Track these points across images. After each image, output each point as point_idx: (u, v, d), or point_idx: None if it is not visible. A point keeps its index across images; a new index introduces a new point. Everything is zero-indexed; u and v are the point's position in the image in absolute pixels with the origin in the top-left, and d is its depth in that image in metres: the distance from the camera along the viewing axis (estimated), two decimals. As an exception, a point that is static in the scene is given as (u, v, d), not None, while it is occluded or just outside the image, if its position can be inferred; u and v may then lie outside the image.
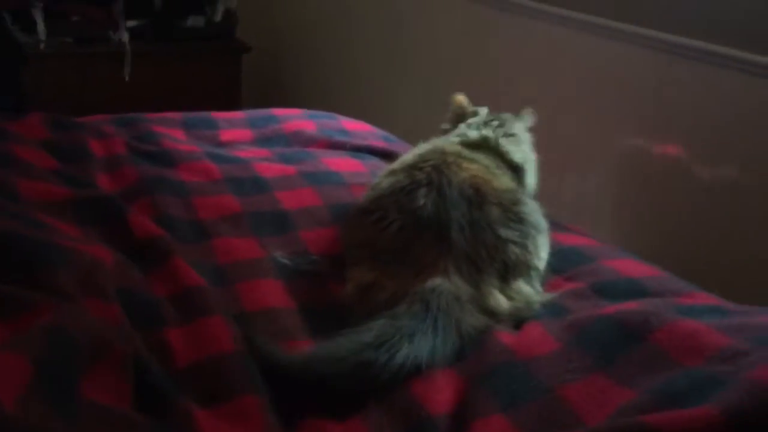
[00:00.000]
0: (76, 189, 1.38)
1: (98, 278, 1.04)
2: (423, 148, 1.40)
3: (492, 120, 1.50)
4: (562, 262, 1.34)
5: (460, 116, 1.54)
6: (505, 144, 1.45)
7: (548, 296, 1.21)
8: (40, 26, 2.66)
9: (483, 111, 1.55)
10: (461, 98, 1.56)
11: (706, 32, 1.82)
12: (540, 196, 1.48)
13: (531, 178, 1.48)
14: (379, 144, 1.87)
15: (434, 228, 1.20)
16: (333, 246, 1.37)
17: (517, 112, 1.57)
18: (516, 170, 1.43)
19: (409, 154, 1.39)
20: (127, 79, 2.81)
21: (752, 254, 1.75)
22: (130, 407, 0.88)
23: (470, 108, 1.55)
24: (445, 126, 1.57)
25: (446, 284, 1.12)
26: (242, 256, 1.31)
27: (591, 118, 2.14)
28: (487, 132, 1.45)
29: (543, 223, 1.31)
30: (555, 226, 1.47)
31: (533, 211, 1.29)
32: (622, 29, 2.01)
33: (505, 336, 1.10)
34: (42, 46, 2.63)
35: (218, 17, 3.11)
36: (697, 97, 1.86)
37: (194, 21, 3.07)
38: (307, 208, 1.49)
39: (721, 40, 1.79)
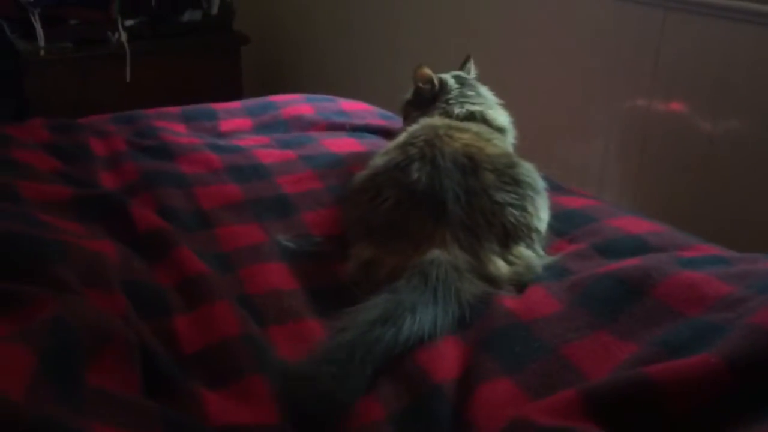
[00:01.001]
0: (79, 188, 1.40)
1: (101, 271, 1.05)
2: (414, 127, 1.40)
3: (467, 91, 1.53)
4: (565, 225, 1.34)
5: (428, 89, 1.55)
6: (488, 112, 1.49)
7: (550, 259, 1.21)
8: (39, 32, 2.68)
9: (449, 79, 1.57)
10: (427, 71, 1.56)
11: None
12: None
13: (511, 137, 1.53)
14: (379, 122, 1.87)
15: (430, 200, 1.20)
16: (335, 226, 1.38)
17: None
18: (501, 132, 1.47)
19: (401, 135, 1.40)
20: (128, 78, 2.84)
21: (758, 204, 1.73)
22: (138, 393, 0.90)
23: (436, 78, 1.56)
24: (407, 97, 1.59)
25: (444, 255, 1.12)
26: (245, 242, 1.32)
27: (593, 80, 2.13)
28: (471, 107, 1.48)
29: (540, 183, 1.31)
30: (558, 189, 1.48)
31: (529, 173, 1.29)
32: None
33: (508, 300, 1.10)
34: (42, 52, 2.65)
35: (215, 10, 3.12)
36: (696, 51, 1.84)
37: (191, 16, 3.07)
38: (308, 192, 1.50)
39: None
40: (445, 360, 1.01)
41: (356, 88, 2.84)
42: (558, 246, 1.28)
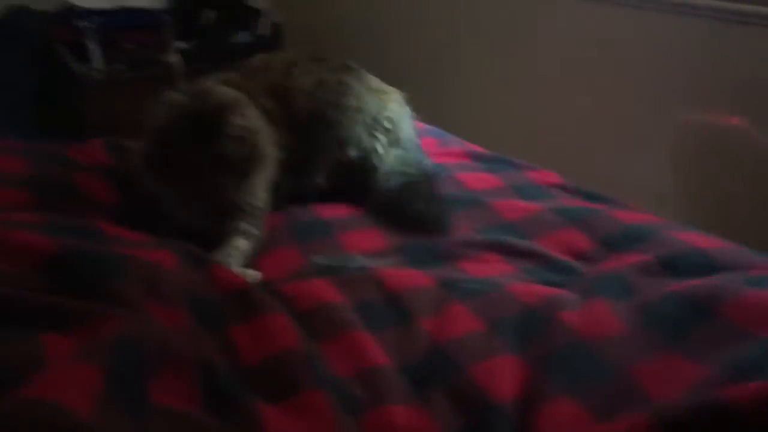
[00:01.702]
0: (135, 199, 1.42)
1: (161, 283, 1.05)
2: None
3: None
4: (624, 238, 1.31)
5: None
6: None
7: None
8: (96, 55, 2.75)
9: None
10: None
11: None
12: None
13: None
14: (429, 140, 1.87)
15: None
16: (373, 242, 1.36)
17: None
18: None
19: None
20: (181, 100, 2.88)
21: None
22: (199, 410, 0.90)
23: None
24: None
25: None
26: (286, 266, 1.31)
27: (645, 95, 2.09)
28: None
29: None
30: (615, 204, 1.45)
31: None
32: (672, 0, 1.96)
33: (569, 316, 1.07)
34: (98, 75, 2.72)
35: (266, 31, 3.16)
36: (752, 63, 1.80)
37: (242, 38, 3.12)
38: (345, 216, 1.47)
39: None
40: (504, 378, 0.99)
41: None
42: (620, 258, 1.24)
